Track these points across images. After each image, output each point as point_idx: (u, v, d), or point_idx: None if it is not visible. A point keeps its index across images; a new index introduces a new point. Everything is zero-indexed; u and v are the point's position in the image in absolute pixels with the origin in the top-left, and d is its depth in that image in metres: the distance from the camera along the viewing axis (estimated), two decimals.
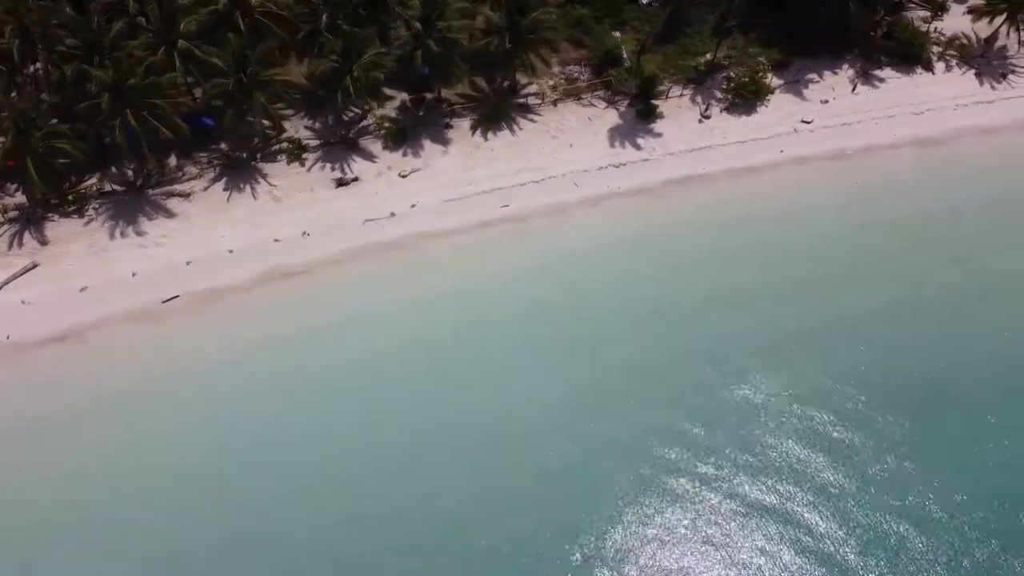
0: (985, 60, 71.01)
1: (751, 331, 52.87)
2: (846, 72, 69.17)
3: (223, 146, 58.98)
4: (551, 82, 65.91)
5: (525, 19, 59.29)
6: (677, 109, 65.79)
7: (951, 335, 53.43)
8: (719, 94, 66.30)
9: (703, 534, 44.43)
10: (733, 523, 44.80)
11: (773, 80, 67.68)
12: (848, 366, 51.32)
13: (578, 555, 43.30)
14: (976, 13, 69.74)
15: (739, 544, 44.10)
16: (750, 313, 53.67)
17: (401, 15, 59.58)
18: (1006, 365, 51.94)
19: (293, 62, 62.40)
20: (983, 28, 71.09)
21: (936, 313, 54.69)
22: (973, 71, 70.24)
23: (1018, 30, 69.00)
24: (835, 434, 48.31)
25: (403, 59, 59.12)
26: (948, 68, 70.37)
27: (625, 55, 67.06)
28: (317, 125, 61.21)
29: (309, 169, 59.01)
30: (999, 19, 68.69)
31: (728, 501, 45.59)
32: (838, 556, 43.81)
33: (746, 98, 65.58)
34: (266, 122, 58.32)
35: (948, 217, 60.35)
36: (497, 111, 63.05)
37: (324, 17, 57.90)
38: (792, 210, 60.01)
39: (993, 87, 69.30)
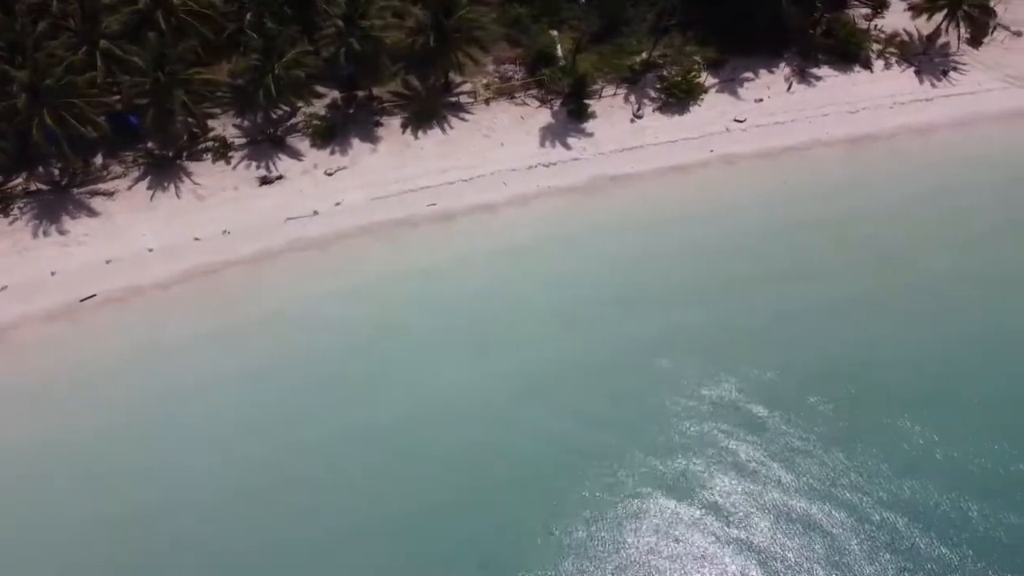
0: (926, 58, 70.78)
1: (678, 328, 52.61)
2: (783, 71, 68.96)
3: (150, 145, 59.09)
4: (485, 81, 65.90)
5: (451, 18, 59.22)
6: (610, 108, 65.67)
7: (876, 333, 53.35)
8: (653, 93, 66.18)
9: (619, 523, 44.68)
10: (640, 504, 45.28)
11: (708, 79, 67.51)
12: (773, 362, 51.18)
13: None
14: (915, 10, 69.52)
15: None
16: (677, 311, 53.37)
17: (330, 12, 59.53)
18: (925, 361, 51.91)
19: (226, 61, 62.54)
20: (926, 25, 70.88)
21: (862, 310, 54.60)
22: (913, 69, 69.98)
23: (958, 27, 68.76)
24: (761, 421, 48.64)
25: (328, 58, 59.05)
26: (887, 66, 70.12)
27: (560, 54, 67.01)
28: (246, 123, 61.29)
29: (235, 167, 59.08)
30: (939, 16, 68.46)
31: (639, 483, 45.93)
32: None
33: (679, 97, 65.43)
34: (191, 120, 58.30)
35: (877, 216, 60.16)
36: (428, 109, 63.02)
37: (248, 16, 58.01)
38: (718, 209, 59.67)
39: (933, 85, 69.06)
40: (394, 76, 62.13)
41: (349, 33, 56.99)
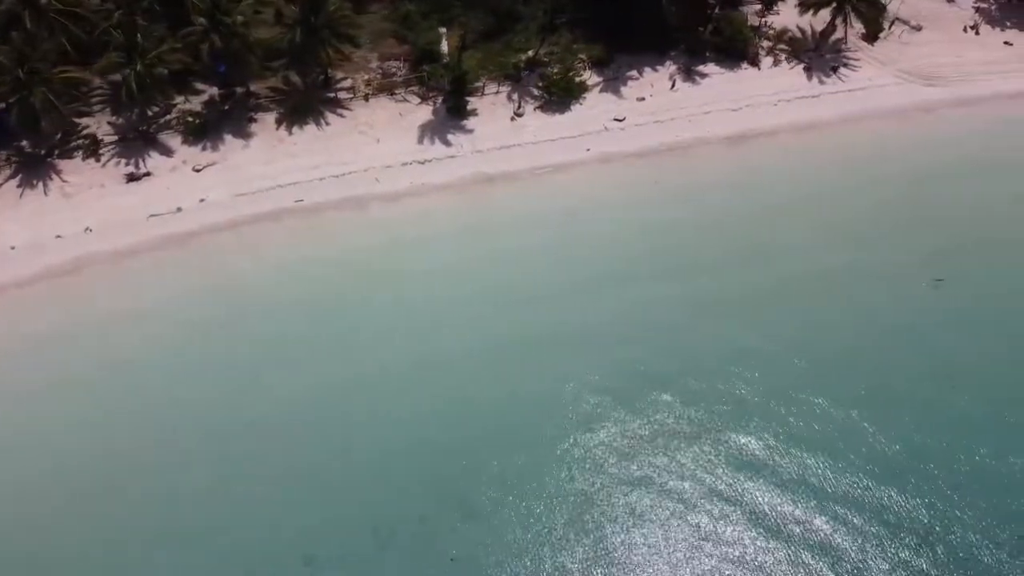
0: (817, 54, 70.64)
1: (534, 326, 52.70)
2: (668, 69, 68.95)
3: (24, 143, 59.57)
4: (366, 77, 66.12)
5: (319, 15, 59.45)
6: (492, 106, 65.81)
7: (736, 333, 53.59)
8: (536, 92, 66.25)
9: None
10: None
11: (593, 77, 67.57)
12: (611, 368, 51.20)
13: None
14: (804, 6, 69.41)
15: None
16: (528, 312, 53.42)
17: (200, 9, 59.86)
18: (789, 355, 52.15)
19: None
20: (819, 22, 70.75)
21: (721, 309, 54.65)
22: (803, 66, 69.87)
23: (846, 21, 68.63)
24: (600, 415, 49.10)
25: (196, 55, 59.40)
26: (776, 63, 70.05)
27: (445, 51, 67.14)
28: (121, 121, 61.69)
29: (104, 165, 59.43)
30: (824, 11, 68.33)
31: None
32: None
33: (559, 96, 65.48)
34: (57, 117, 58.68)
35: (747, 214, 60.19)
36: (305, 106, 63.28)
37: (116, 15, 58.37)
38: (588, 209, 59.82)
39: (821, 81, 68.93)
40: (263, 71, 62.36)
41: (212, 30, 57.22)
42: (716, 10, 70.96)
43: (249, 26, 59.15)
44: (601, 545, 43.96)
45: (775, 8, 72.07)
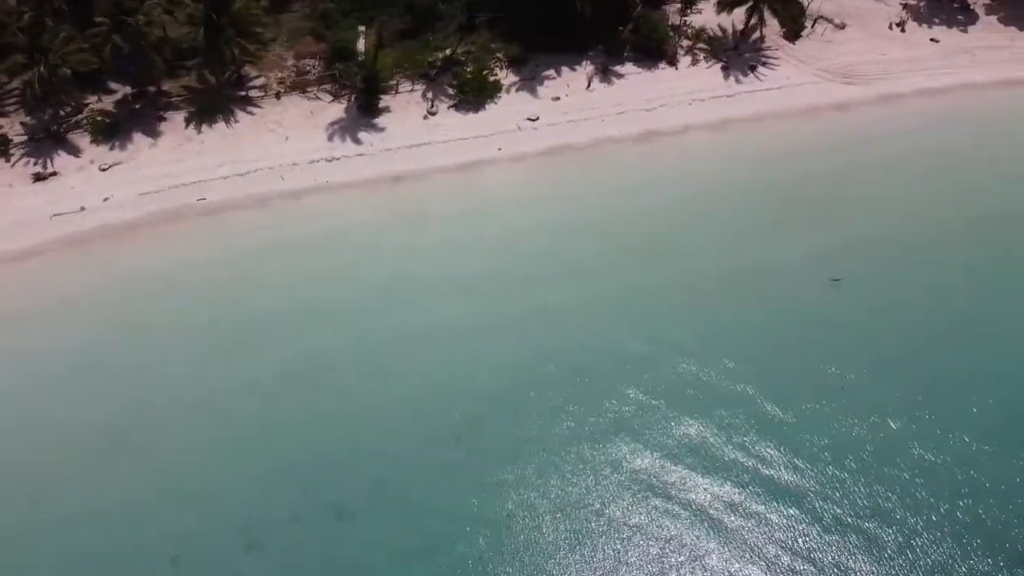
0: (736, 53, 70.55)
1: (421, 325, 53.20)
2: (586, 68, 69.02)
3: None
4: (280, 75, 66.57)
5: (223, 14, 59.90)
6: (406, 105, 66.12)
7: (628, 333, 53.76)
8: (451, 90, 66.51)
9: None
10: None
11: (509, 77, 67.77)
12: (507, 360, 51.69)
13: None
14: (720, 5, 69.31)
15: None
16: (416, 312, 53.74)
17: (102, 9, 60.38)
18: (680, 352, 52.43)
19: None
20: (740, 20, 70.65)
21: (619, 309, 54.88)
22: (720, 65, 69.81)
23: (761, 20, 68.53)
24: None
25: (101, 55, 59.97)
26: (695, 62, 70.04)
27: (361, 49, 67.44)
28: (34, 121, 62.33)
29: (13, 165, 60.09)
30: (739, 10, 68.29)
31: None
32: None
33: (474, 95, 65.71)
34: None
35: (649, 215, 60.24)
36: (216, 104, 63.79)
37: (26, 16, 59.01)
38: (492, 209, 60.23)
39: (738, 80, 68.90)
40: (173, 71, 62.82)
41: (114, 30, 57.76)
42: (638, 9, 70.90)
43: (153, 25, 59.52)
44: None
45: (697, 7, 71.87)
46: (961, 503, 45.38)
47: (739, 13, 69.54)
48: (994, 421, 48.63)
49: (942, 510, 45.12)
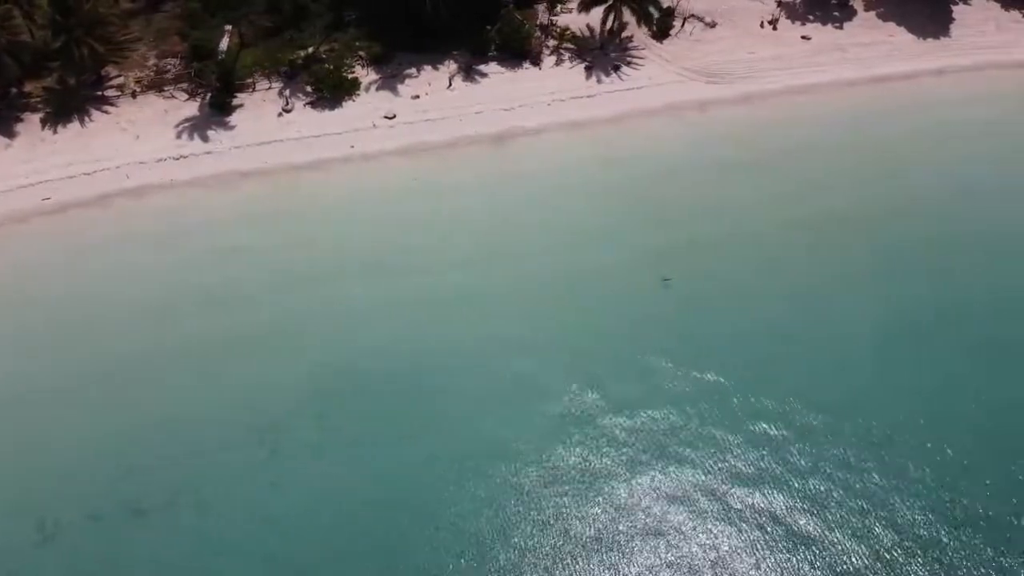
0: (602, 53, 70.55)
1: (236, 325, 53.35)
2: (450, 68, 69.13)
3: None
4: (140, 75, 66.92)
5: (69, 17, 60.31)
6: (261, 103, 66.41)
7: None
8: (309, 88, 66.75)
9: None
10: None
11: (371, 75, 67.99)
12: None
13: None
14: (581, 5, 69.34)
15: None
16: (239, 313, 53.80)
17: None
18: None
19: None
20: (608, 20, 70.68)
21: (454, 311, 54.97)
22: (585, 64, 69.82)
23: (618, 20, 68.61)
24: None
25: None
26: (559, 62, 70.04)
27: (224, 48, 67.71)
28: None
29: None
30: (597, 9, 68.34)
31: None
32: None
33: (331, 92, 65.94)
34: None
35: (497, 215, 60.32)
36: (71, 103, 64.21)
37: None
38: (336, 206, 60.46)
39: (600, 80, 68.90)
40: (19, 73, 63.12)
41: None
42: (508, 8, 70.94)
43: (5, 29, 59.94)
44: None
45: (567, 6, 71.87)
46: (751, 488, 45.65)
47: (600, 13, 69.40)
48: (792, 407, 48.77)
49: (722, 492, 45.38)
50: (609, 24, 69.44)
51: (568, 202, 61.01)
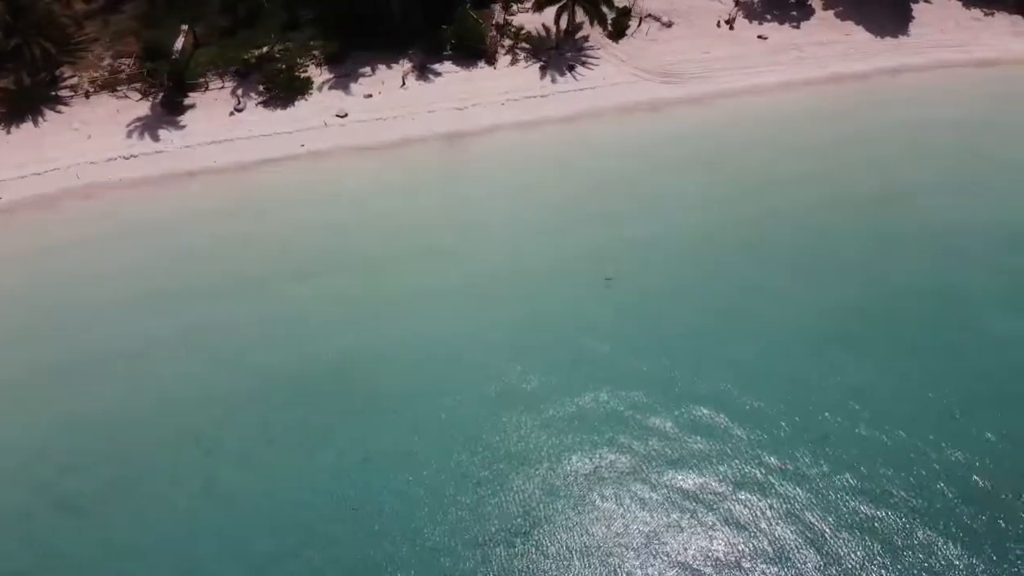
0: (557, 52, 70.60)
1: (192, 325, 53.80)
2: (405, 67, 69.25)
3: None
4: (94, 75, 67.20)
5: (19, 18, 60.67)
6: (213, 102, 66.64)
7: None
8: (261, 87, 66.95)
9: None
10: None
11: (325, 74, 68.16)
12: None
13: None
14: (535, 5, 69.40)
15: None
16: (172, 313, 54.03)
17: None
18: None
19: None
20: (564, 20, 70.62)
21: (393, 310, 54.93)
22: (539, 64, 69.87)
23: (571, 20, 68.66)
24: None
25: None
26: (514, 62, 70.13)
27: (179, 48, 67.93)
28: None
29: None
30: (552, 9, 68.39)
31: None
32: None
33: (284, 92, 66.14)
34: None
35: (445, 213, 60.47)
36: (24, 104, 64.53)
37: None
38: (279, 206, 60.38)
39: (554, 80, 68.95)
40: None
41: None
42: (464, 7, 71.04)
43: None
44: None
45: (523, 5, 71.95)
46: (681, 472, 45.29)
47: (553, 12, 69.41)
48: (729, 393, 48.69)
49: (653, 481, 44.97)
50: (563, 24, 69.35)
51: (516, 201, 60.99)
